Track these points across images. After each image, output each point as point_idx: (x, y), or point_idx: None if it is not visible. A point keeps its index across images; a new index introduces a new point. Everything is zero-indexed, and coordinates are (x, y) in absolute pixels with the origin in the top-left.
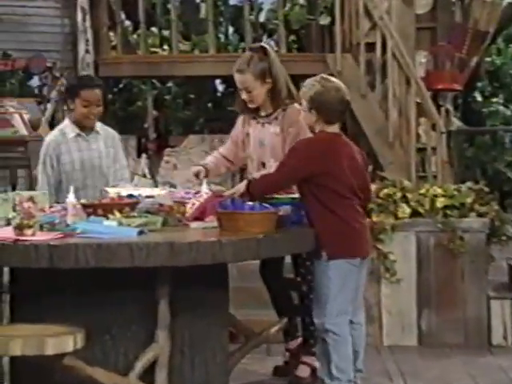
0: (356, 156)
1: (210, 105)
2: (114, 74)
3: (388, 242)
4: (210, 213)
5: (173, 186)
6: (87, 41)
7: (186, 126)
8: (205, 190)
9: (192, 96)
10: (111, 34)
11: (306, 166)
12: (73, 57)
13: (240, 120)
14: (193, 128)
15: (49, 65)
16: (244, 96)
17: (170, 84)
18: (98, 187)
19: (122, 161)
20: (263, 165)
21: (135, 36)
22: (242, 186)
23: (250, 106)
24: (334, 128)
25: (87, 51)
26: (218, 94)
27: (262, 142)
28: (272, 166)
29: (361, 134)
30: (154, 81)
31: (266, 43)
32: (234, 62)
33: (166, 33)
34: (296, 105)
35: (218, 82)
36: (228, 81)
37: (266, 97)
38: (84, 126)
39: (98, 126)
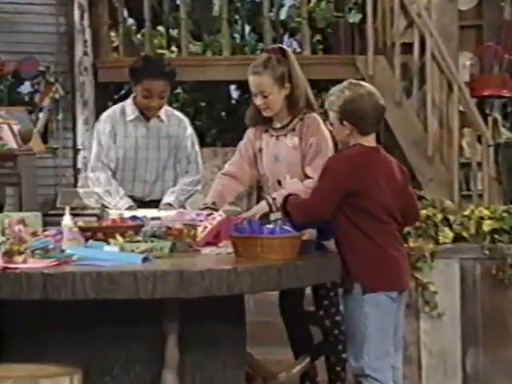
0: (396, 173)
1: (223, 114)
2: (116, 80)
3: (427, 271)
4: (224, 237)
5: (182, 206)
6: (85, 42)
7: (197, 137)
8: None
9: (203, 104)
10: (112, 34)
11: (343, 185)
12: (69, 60)
13: (250, 133)
14: (204, 140)
15: (42, 69)
16: (259, 102)
17: (178, 90)
18: (149, 183)
19: (191, 159)
20: (279, 182)
21: (139, 36)
22: (262, 208)
23: (266, 114)
24: (370, 139)
25: (85, 53)
26: (233, 102)
27: (276, 157)
28: (289, 183)
29: (395, 146)
30: None
31: (287, 44)
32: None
33: (174, 32)
34: (315, 114)
35: (232, 87)
36: (243, 87)
37: (283, 104)
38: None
39: (163, 111)
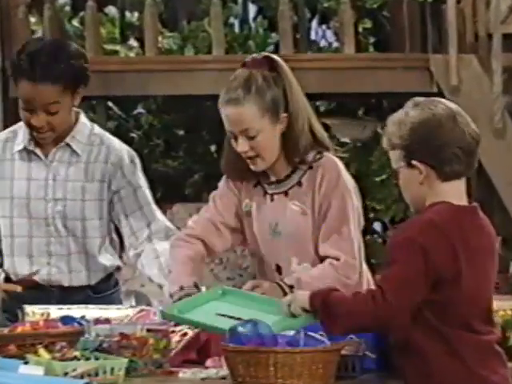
0: (495, 249)
1: (212, 147)
2: None
3: None
4: (213, 351)
5: (144, 298)
6: None
7: (171, 185)
8: None
9: (180, 132)
10: (33, 19)
11: (432, 269)
12: None
13: (229, 184)
14: (181, 189)
15: None
16: (242, 148)
17: (139, 110)
18: (63, 255)
19: (142, 203)
20: (278, 269)
21: (76, 23)
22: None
23: (255, 168)
24: (458, 191)
25: None
26: None
27: (274, 227)
28: (300, 273)
29: (485, 184)
30: (110, 104)
31: (318, 35)
32: None
33: (133, 17)
34: (330, 155)
35: None
36: None
37: (279, 147)
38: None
39: (79, 135)
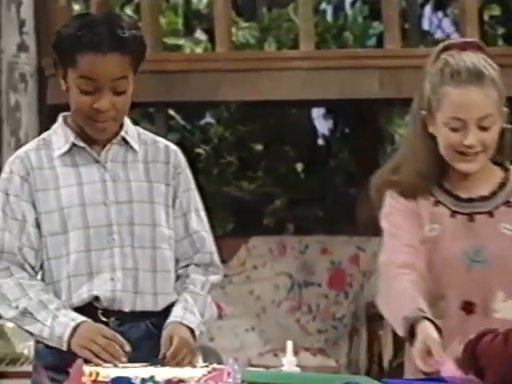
0: None
1: (298, 166)
2: None
3: None
4: None
5: (213, 355)
6: (22, 23)
7: (246, 213)
8: (291, 362)
9: (259, 147)
10: (76, 6)
11: None
12: None
13: (403, 203)
14: (260, 218)
15: None
16: (471, 140)
17: (207, 120)
18: (128, 272)
19: (192, 218)
20: (467, 308)
21: (129, 10)
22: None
23: (467, 169)
24: None
25: (21, 47)
26: (320, 143)
27: (472, 254)
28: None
29: None
30: (171, 113)
31: (432, 26)
32: (359, 69)
33: (200, 4)
34: None
35: (317, 114)
36: (342, 112)
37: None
38: (91, 135)
39: (133, 132)
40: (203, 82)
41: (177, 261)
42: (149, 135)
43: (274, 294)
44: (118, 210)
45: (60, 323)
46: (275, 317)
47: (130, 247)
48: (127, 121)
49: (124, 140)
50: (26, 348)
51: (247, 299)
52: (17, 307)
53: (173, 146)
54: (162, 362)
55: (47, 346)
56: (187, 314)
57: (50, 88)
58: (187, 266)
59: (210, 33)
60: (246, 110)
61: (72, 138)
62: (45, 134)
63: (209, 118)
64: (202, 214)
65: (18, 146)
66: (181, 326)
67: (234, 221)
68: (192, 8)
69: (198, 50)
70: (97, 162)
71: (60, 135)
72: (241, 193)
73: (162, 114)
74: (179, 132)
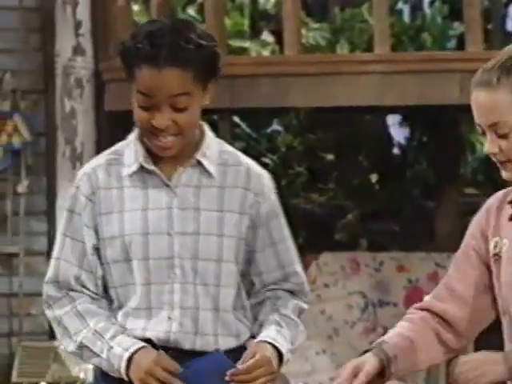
0: None
1: (373, 177)
2: None
3: None
4: None
5: (282, 379)
6: (78, 25)
7: (316, 227)
8: None
9: (329, 157)
10: (135, 7)
11: None
12: (42, 63)
13: (487, 213)
14: (331, 233)
15: None
16: (489, 148)
17: (275, 128)
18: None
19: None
20: None
21: (192, 11)
22: None
23: (506, 176)
24: None
25: (77, 50)
26: (395, 152)
27: None
28: None
29: None
30: (236, 120)
31: None
32: (438, 73)
33: (267, 4)
34: None
35: (392, 121)
36: (420, 119)
37: None
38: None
39: (209, 151)
40: (271, 87)
41: (263, 286)
42: (233, 154)
43: (346, 314)
44: (182, 241)
45: (114, 355)
46: (348, 339)
47: (192, 284)
48: (208, 137)
49: (199, 163)
50: (82, 371)
51: (318, 320)
52: (75, 341)
53: (257, 169)
54: (232, 378)
55: (104, 373)
56: (279, 336)
57: (108, 94)
58: (276, 289)
59: (277, 34)
60: (316, 117)
61: (141, 157)
62: (118, 146)
63: (276, 126)
64: (290, 242)
65: (74, 155)
66: (270, 346)
67: (304, 236)
68: (259, 8)
69: (265, 52)
70: (167, 185)
71: (131, 150)
72: (310, 206)
73: (227, 121)
74: (244, 140)
